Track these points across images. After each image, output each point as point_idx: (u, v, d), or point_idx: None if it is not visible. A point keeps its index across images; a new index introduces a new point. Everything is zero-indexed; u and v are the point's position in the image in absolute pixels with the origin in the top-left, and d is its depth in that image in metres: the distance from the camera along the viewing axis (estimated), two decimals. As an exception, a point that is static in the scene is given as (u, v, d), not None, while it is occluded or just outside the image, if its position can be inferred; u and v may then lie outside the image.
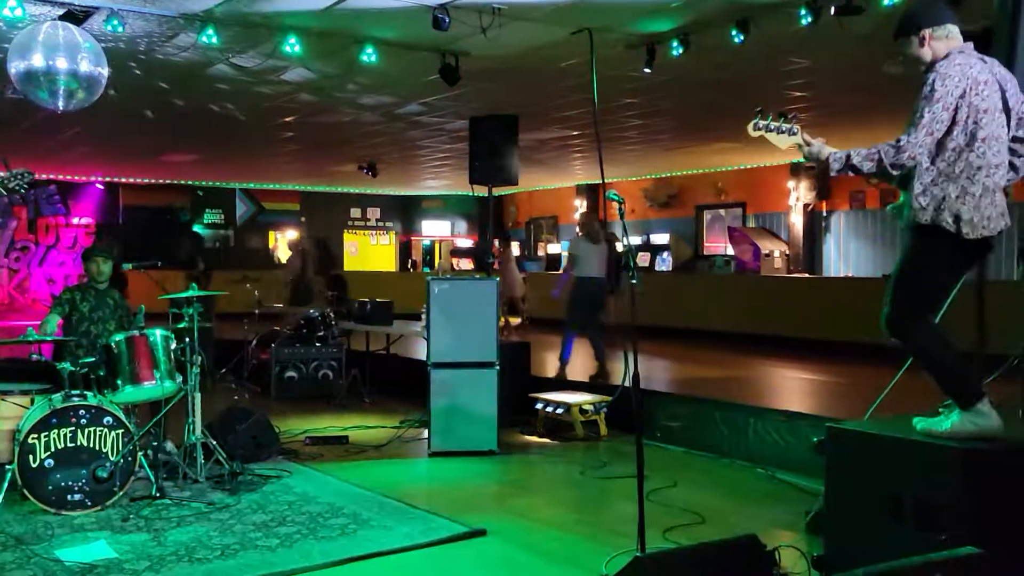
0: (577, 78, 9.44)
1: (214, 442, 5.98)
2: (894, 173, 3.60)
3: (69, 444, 5.17)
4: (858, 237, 16.02)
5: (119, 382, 5.63)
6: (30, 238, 19.34)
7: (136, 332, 5.75)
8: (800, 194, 16.47)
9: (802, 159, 3.76)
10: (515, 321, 14.31)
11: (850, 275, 15.73)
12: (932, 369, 3.65)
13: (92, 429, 5.23)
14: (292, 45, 7.79)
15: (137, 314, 6.19)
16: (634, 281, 4.01)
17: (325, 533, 4.77)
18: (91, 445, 5.22)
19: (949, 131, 3.53)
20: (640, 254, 17.66)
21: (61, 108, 6.26)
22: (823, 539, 4.05)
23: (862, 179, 15.32)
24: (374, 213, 23.94)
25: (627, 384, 4.14)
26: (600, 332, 9.08)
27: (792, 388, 8.87)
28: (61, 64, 6.06)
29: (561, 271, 10.51)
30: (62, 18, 6.76)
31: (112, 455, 5.25)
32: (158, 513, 5.11)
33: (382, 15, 7.43)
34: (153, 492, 5.36)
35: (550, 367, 9.08)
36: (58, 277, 19.23)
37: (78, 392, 5.34)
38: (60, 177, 19.11)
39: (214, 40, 7.55)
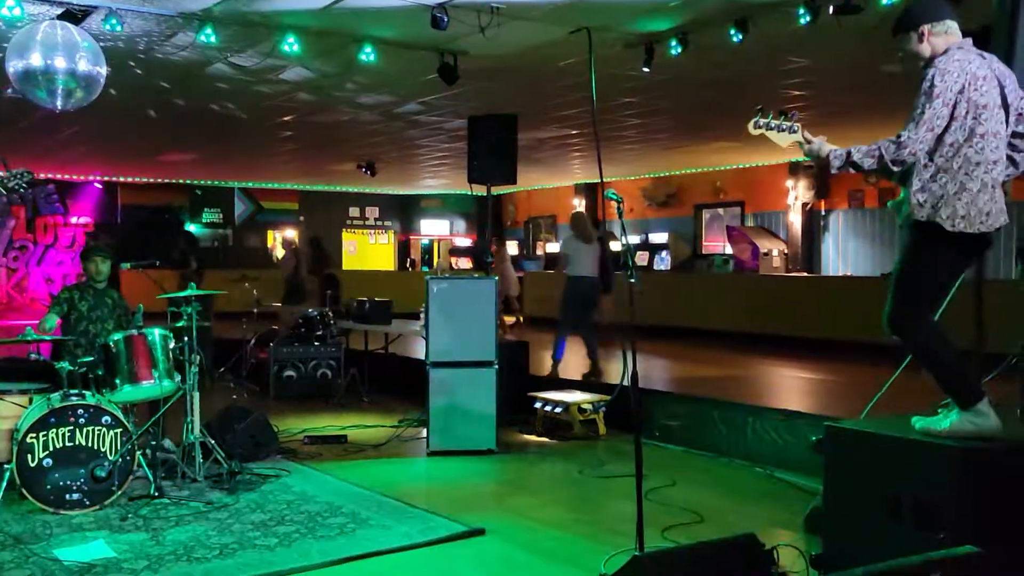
0: (576, 77, 9.44)
1: (212, 441, 5.98)
2: (895, 169, 3.59)
3: (67, 443, 5.16)
4: (856, 236, 16.03)
5: (117, 381, 5.62)
6: (28, 237, 19.34)
7: (134, 331, 5.75)
8: (799, 193, 16.47)
9: (802, 158, 3.77)
10: (510, 320, 14.30)
11: (848, 274, 15.74)
12: (933, 368, 3.65)
13: (90, 428, 5.23)
14: (291, 44, 7.79)
15: (135, 313, 6.19)
16: (633, 280, 4.01)
17: (324, 532, 4.77)
18: (89, 444, 5.21)
19: (948, 126, 3.53)
20: (639, 253, 17.67)
21: (59, 107, 6.25)
22: (821, 538, 4.05)
23: (861, 178, 15.35)
24: (373, 212, 23.94)
25: (626, 383, 4.14)
26: (592, 331, 9.11)
27: (791, 387, 8.88)
28: (59, 63, 6.06)
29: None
30: (60, 17, 6.75)
31: (110, 454, 5.24)
32: (156, 512, 5.10)
33: (380, 14, 7.43)
34: (152, 491, 5.35)
35: (548, 366, 9.08)
36: (56, 276, 19.23)
37: (76, 391, 5.34)
38: (58, 176, 19.10)
39: (213, 39, 7.55)
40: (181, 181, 20.40)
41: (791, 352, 11.00)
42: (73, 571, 4.17)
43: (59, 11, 6.87)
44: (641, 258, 17.85)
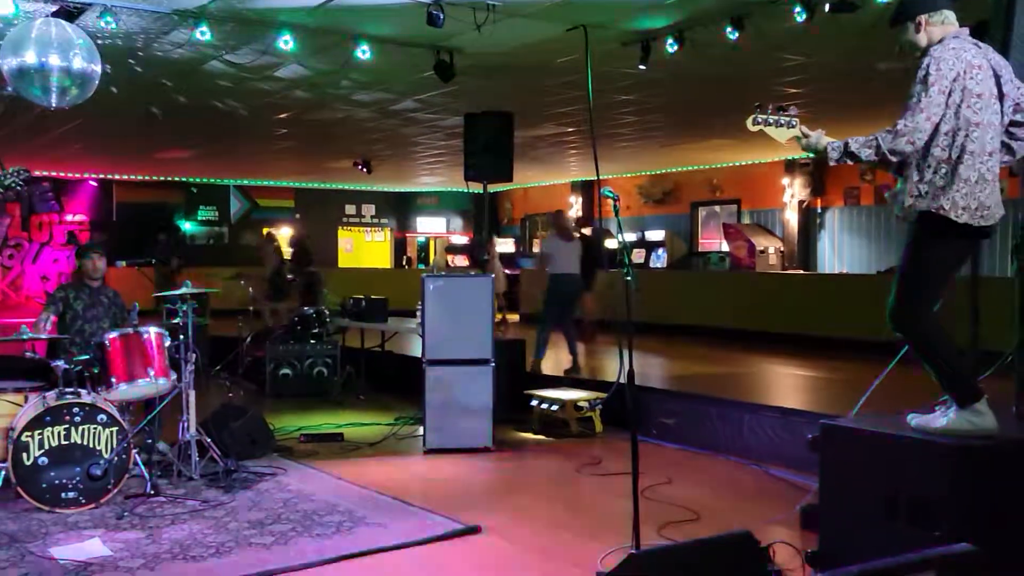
0: (572, 75, 9.42)
1: (208, 439, 5.98)
2: (893, 159, 3.59)
3: (63, 442, 5.16)
4: (852, 233, 16.03)
5: (113, 379, 5.62)
6: (23, 235, 19.29)
7: (130, 329, 5.75)
8: (795, 191, 16.48)
9: (799, 155, 3.78)
10: (498, 317, 14.30)
11: (844, 271, 15.75)
12: (933, 364, 3.66)
13: (86, 427, 5.22)
14: (286, 41, 7.77)
15: (131, 311, 6.18)
16: (629, 278, 4.01)
17: (320, 531, 4.77)
18: (85, 443, 5.21)
19: (943, 115, 3.53)
20: (635, 250, 17.69)
21: (54, 105, 6.22)
22: (818, 535, 4.05)
23: (857, 176, 15.37)
24: (369, 210, 23.90)
25: (622, 381, 4.14)
26: (573, 327, 9.29)
27: (786, 384, 8.88)
28: (54, 61, 6.03)
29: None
30: (55, 14, 6.73)
31: (106, 453, 5.24)
32: (152, 511, 5.10)
33: (376, 11, 7.41)
34: (147, 490, 5.35)
35: (545, 364, 9.09)
36: (52, 274, 19.19)
37: (72, 390, 5.34)
38: (53, 174, 19.04)
39: (208, 36, 7.52)
40: (176, 179, 20.35)
41: (787, 349, 11.01)
42: (69, 570, 4.17)
43: (54, 8, 6.85)
44: (638, 255, 17.85)
